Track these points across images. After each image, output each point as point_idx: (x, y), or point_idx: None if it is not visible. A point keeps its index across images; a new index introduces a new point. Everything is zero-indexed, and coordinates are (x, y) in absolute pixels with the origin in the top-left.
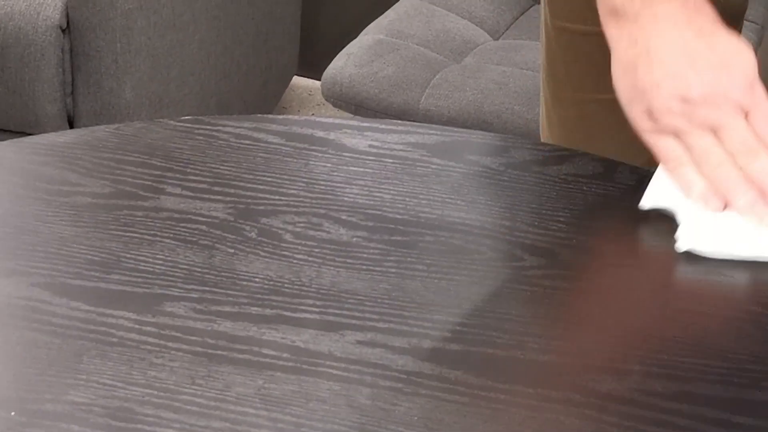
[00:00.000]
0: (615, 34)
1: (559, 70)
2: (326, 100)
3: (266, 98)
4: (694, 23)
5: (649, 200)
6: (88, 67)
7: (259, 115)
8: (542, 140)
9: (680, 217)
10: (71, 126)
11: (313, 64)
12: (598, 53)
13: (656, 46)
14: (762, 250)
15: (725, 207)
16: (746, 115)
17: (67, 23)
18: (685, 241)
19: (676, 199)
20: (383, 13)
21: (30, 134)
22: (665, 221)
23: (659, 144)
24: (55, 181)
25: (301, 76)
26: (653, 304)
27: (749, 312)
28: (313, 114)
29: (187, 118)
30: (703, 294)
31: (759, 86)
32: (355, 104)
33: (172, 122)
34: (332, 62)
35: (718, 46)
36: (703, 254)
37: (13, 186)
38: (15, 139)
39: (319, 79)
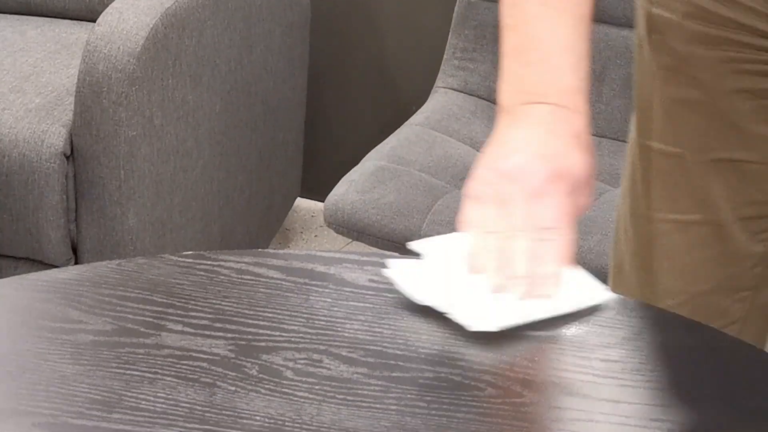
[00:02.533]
0: (499, 122)
1: (637, 186)
2: (328, 226)
3: (269, 222)
4: (553, 124)
5: (417, 244)
6: (91, 193)
7: (260, 249)
8: (611, 253)
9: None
10: (75, 252)
11: (316, 187)
12: (676, 174)
13: (509, 136)
14: (452, 308)
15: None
16: (536, 199)
17: (71, 150)
18: (394, 271)
19: (435, 251)
20: (384, 138)
21: (33, 260)
22: None
23: (465, 205)
24: (57, 319)
25: (304, 197)
26: None
27: None
28: (315, 236)
29: (188, 253)
30: None
31: (567, 184)
32: (357, 231)
33: (173, 258)
34: (334, 189)
35: (554, 145)
36: (406, 294)
37: (15, 324)
38: (17, 276)
39: (322, 201)
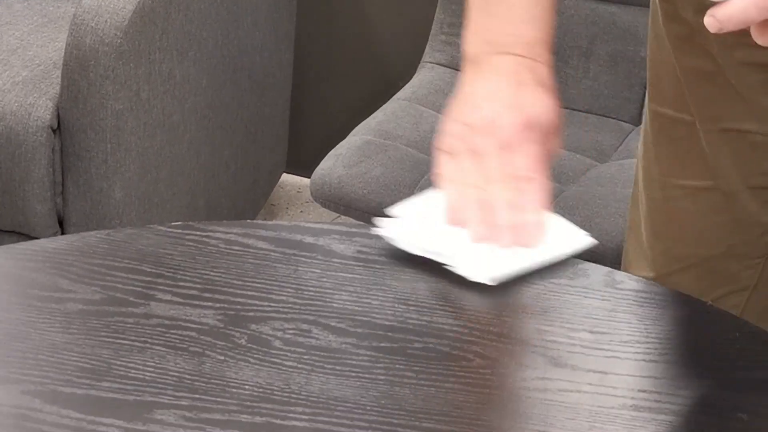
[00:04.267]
0: (463, 75)
1: (650, 151)
2: (315, 200)
3: (255, 197)
4: (517, 74)
5: (399, 208)
6: (78, 167)
7: (248, 220)
8: (629, 213)
9: (404, 216)
10: (61, 225)
11: (302, 162)
12: (687, 141)
13: (476, 87)
14: (458, 261)
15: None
16: (507, 150)
17: (58, 124)
18: (387, 229)
19: (417, 209)
20: (371, 114)
21: (20, 233)
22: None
23: (438, 160)
24: (46, 288)
25: (290, 173)
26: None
27: None
28: (301, 212)
29: (177, 224)
30: None
31: (537, 132)
32: (343, 205)
33: (162, 228)
34: (321, 163)
35: (521, 95)
36: (400, 245)
37: (4, 293)
38: (6, 246)
39: (308, 177)
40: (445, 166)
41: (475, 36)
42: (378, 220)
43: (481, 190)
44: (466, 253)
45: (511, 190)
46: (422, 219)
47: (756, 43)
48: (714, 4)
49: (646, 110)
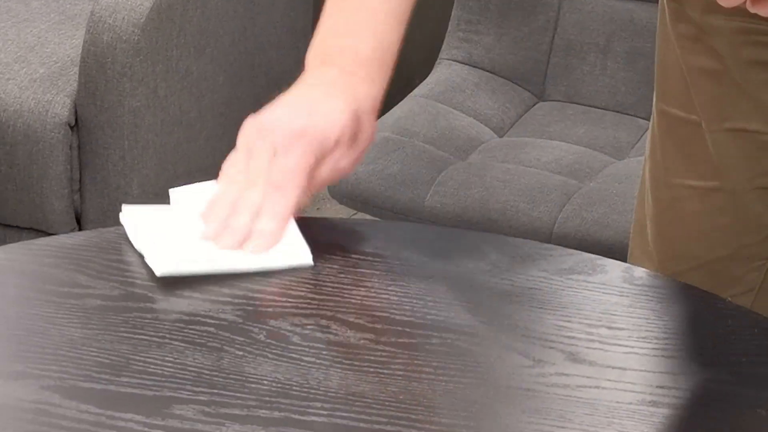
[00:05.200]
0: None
1: (657, 151)
2: (332, 197)
3: None
4: (329, 87)
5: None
6: (95, 164)
7: None
8: (635, 213)
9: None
10: (78, 222)
11: None
12: (693, 141)
13: (291, 91)
14: (218, 265)
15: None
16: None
17: (76, 120)
18: (161, 265)
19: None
20: (388, 110)
21: (37, 230)
22: None
23: (229, 156)
24: (65, 284)
25: None
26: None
27: None
28: (318, 209)
29: None
30: None
31: (316, 145)
32: (361, 201)
33: None
34: None
35: (318, 104)
36: (183, 274)
37: (24, 288)
38: (25, 242)
39: None
40: (229, 160)
41: (316, 44)
42: (124, 206)
43: (240, 189)
44: (167, 247)
45: (261, 194)
46: (173, 209)
47: (763, 42)
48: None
49: (653, 110)
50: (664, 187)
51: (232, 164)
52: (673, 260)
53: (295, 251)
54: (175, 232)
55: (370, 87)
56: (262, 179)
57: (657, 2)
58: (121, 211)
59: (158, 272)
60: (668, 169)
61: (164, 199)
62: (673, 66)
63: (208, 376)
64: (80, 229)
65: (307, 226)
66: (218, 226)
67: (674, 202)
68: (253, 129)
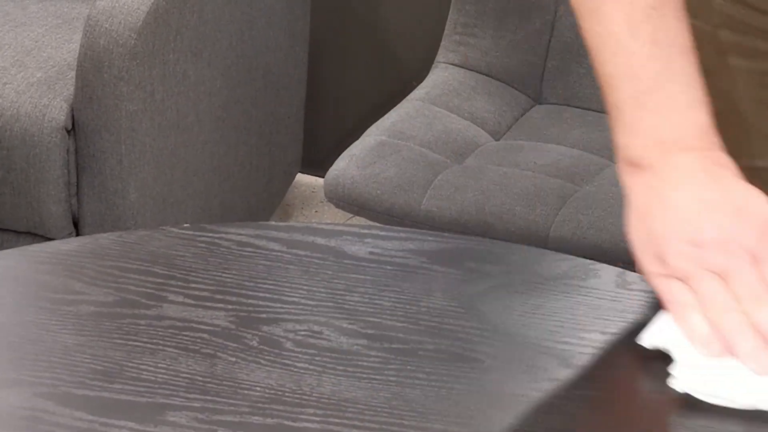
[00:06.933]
0: (632, 182)
1: None
2: (329, 201)
3: (270, 197)
4: (711, 173)
5: (648, 338)
6: (92, 168)
7: (260, 222)
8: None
9: (678, 358)
10: (76, 226)
11: (317, 162)
12: None
13: (671, 194)
14: (759, 400)
15: (727, 353)
16: (757, 263)
17: (73, 125)
18: (681, 381)
19: (676, 341)
20: (385, 114)
21: (35, 235)
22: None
23: (666, 288)
24: (58, 290)
25: (305, 173)
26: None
27: None
28: (316, 212)
29: (189, 225)
30: None
31: None
32: (357, 205)
33: (174, 230)
34: (334, 163)
35: (734, 193)
36: (699, 397)
37: (17, 295)
38: (19, 248)
39: (323, 177)
40: (678, 292)
41: (635, 137)
42: (673, 372)
43: (740, 314)
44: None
45: None
46: (709, 360)
47: None
48: None
49: None
50: None
51: (694, 294)
52: None
53: None
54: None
55: (723, 154)
56: (759, 293)
57: None
58: (675, 377)
59: (681, 388)
60: None
61: (164, 201)
62: None
63: (201, 383)
64: (77, 234)
65: (300, 231)
66: (755, 356)
67: None
68: (692, 250)
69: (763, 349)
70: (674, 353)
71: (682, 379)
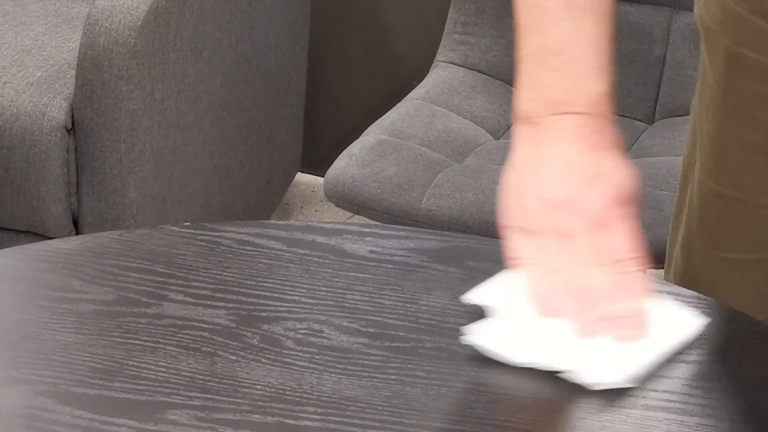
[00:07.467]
0: (519, 136)
1: (693, 223)
2: (329, 200)
3: (270, 196)
4: (585, 138)
5: (474, 296)
6: (92, 167)
7: (261, 220)
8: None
9: (492, 315)
10: (76, 225)
11: (317, 161)
12: (733, 216)
13: (541, 153)
14: (567, 365)
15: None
16: (600, 229)
17: (72, 124)
18: (478, 337)
19: (497, 299)
20: (385, 112)
21: (34, 234)
22: None
23: (514, 242)
24: (59, 288)
25: (305, 172)
26: None
27: None
28: (316, 211)
29: (189, 224)
30: None
31: (627, 207)
32: (357, 204)
33: (174, 228)
34: (334, 163)
35: (598, 161)
36: (485, 352)
37: (18, 293)
38: (19, 246)
39: (323, 176)
40: (523, 247)
41: (531, 93)
42: (466, 328)
43: (574, 276)
44: (582, 356)
45: (609, 274)
46: (511, 318)
47: None
48: None
49: (695, 182)
50: (700, 259)
51: (537, 250)
52: None
53: (683, 319)
54: (559, 338)
55: (612, 126)
56: (596, 258)
57: (653, 4)
58: (469, 332)
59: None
60: (705, 242)
61: (164, 200)
62: (731, 143)
63: (201, 381)
64: (77, 233)
65: (300, 230)
66: (587, 320)
67: (710, 272)
68: (543, 207)
69: (576, 312)
70: (490, 311)
71: (480, 335)
